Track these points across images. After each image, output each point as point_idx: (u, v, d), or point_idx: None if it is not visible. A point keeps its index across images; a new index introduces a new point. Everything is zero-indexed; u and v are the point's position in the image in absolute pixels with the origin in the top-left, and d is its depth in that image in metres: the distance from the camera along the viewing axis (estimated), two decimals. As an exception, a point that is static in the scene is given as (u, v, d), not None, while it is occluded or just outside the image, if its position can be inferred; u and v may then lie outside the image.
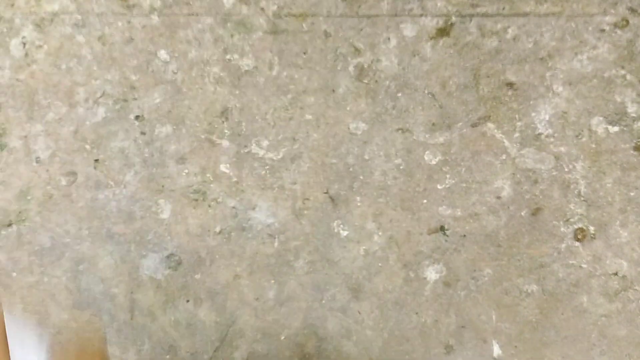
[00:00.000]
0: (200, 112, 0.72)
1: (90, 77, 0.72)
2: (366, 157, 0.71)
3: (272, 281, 0.71)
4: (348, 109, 0.72)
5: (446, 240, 0.71)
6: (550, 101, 0.70)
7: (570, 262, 0.70)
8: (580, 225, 0.70)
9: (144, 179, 0.72)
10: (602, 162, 0.70)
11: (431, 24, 0.71)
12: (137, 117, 0.72)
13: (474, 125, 0.70)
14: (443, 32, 0.71)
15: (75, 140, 0.72)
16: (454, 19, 0.70)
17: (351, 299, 0.69)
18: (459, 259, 0.70)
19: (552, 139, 0.70)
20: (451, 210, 0.71)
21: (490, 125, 0.70)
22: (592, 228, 0.70)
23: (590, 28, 0.70)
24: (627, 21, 0.70)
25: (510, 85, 0.70)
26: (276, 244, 0.71)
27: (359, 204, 0.71)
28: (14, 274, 0.71)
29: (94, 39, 0.72)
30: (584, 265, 0.70)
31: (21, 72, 0.72)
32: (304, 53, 0.72)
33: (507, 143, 0.70)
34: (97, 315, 0.70)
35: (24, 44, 0.72)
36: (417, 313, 0.69)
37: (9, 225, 0.72)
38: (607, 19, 0.70)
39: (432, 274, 0.70)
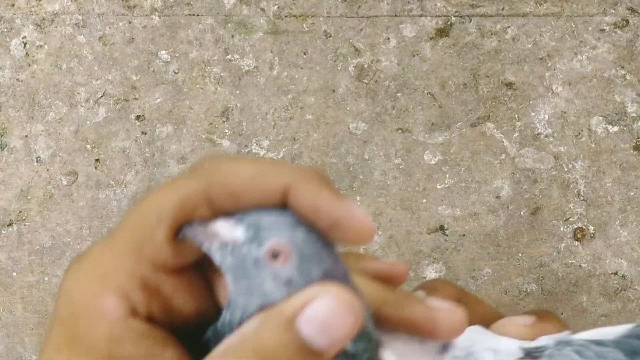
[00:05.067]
0: (201, 112, 0.72)
1: (91, 77, 0.72)
2: (366, 156, 0.71)
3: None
4: (348, 109, 0.72)
5: (446, 240, 0.71)
6: (550, 101, 0.70)
7: (570, 261, 0.70)
8: (579, 225, 0.70)
9: (145, 179, 0.72)
10: (602, 162, 0.70)
11: (431, 24, 0.71)
12: (138, 117, 0.72)
13: (473, 125, 0.70)
14: (442, 32, 0.71)
15: (76, 140, 0.72)
16: (453, 19, 0.71)
17: (351, 298, 0.69)
18: (458, 258, 0.70)
19: (551, 139, 0.70)
20: (450, 209, 0.70)
21: (489, 125, 0.70)
22: (591, 227, 0.70)
23: (589, 28, 0.70)
24: (627, 21, 0.70)
25: (509, 85, 0.70)
26: (276, 243, 0.71)
27: (358, 204, 0.71)
28: (14, 274, 0.72)
29: (94, 39, 0.72)
30: (583, 265, 0.70)
31: (22, 72, 0.72)
32: (304, 53, 0.72)
33: (506, 143, 0.70)
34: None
35: (25, 44, 0.72)
36: (416, 312, 0.69)
37: (9, 224, 0.72)
38: (607, 19, 0.70)
39: (431, 273, 0.70)
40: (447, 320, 0.42)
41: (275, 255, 0.38)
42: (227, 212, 0.40)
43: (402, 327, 0.42)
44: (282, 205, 0.40)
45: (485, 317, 0.45)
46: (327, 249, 0.40)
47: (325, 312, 0.36)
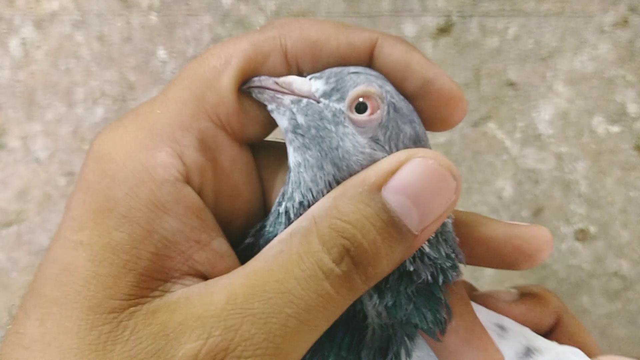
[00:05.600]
0: (200, 112, 0.72)
1: (89, 77, 0.72)
2: (367, 157, 0.71)
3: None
4: (348, 108, 0.72)
5: (447, 241, 0.70)
6: (551, 101, 0.70)
7: (571, 262, 0.70)
8: (581, 226, 0.70)
9: (143, 179, 0.72)
10: (603, 162, 0.70)
11: (432, 23, 0.71)
12: (135, 117, 0.72)
13: (475, 125, 0.70)
14: (444, 31, 0.71)
15: (74, 141, 0.72)
16: (454, 18, 0.70)
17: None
18: (460, 259, 0.70)
19: (553, 139, 0.70)
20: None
21: (491, 125, 0.70)
22: (592, 228, 0.70)
23: (590, 28, 0.70)
24: (627, 21, 0.70)
25: (511, 85, 0.70)
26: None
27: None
28: (14, 274, 0.71)
29: (93, 38, 0.72)
30: (584, 265, 0.70)
31: (20, 72, 0.72)
32: (304, 52, 0.72)
33: (508, 143, 0.70)
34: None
35: (24, 44, 0.72)
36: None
37: (9, 225, 0.71)
38: (607, 19, 0.70)
39: (433, 274, 0.70)
40: (532, 238, 0.35)
41: (361, 106, 0.31)
42: (301, 74, 0.33)
43: (479, 248, 0.36)
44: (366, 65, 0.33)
45: (584, 347, 0.38)
46: (416, 113, 0.34)
47: (421, 177, 0.28)
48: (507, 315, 0.38)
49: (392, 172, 0.28)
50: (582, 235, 0.70)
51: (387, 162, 0.29)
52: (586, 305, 0.70)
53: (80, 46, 0.72)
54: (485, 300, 0.40)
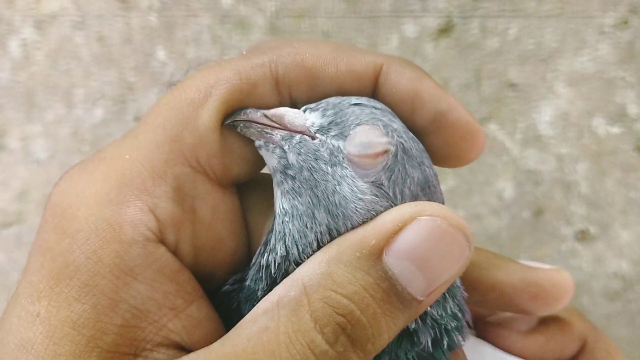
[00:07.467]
0: (199, 113, 0.72)
1: (89, 78, 0.72)
2: (367, 158, 0.71)
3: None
4: (348, 109, 0.71)
5: (448, 242, 0.70)
6: (552, 102, 0.70)
7: (572, 263, 0.70)
8: (581, 226, 0.70)
9: (143, 180, 0.71)
10: (603, 163, 0.70)
11: (433, 24, 0.71)
12: (135, 119, 0.72)
13: (475, 126, 0.70)
14: (444, 32, 0.71)
15: (74, 142, 0.71)
16: (455, 19, 0.70)
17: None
18: (461, 260, 0.70)
19: (553, 140, 0.70)
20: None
21: (492, 126, 0.70)
22: (592, 229, 0.70)
23: (590, 29, 0.70)
24: (627, 22, 0.70)
25: (512, 86, 0.70)
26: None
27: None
28: (14, 275, 0.71)
29: (92, 40, 0.72)
30: (584, 266, 0.70)
31: (21, 73, 0.71)
32: (304, 53, 0.72)
33: (509, 144, 0.70)
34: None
35: (24, 44, 0.71)
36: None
37: (9, 226, 0.71)
38: (607, 20, 0.70)
39: (433, 275, 0.70)
40: (551, 286, 0.32)
41: (366, 144, 0.27)
42: (295, 105, 0.30)
43: (492, 293, 0.33)
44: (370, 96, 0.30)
45: None
46: (428, 157, 0.30)
47: (428, 239, 0.25)
48: (523, 350, 0.35)
49: (395, 233, 0.25)
50: (582, 236, 0.70)
51: (389, 220, 0.25)
52: (586, 306, 0.70)
53: (80, 47, 0.72)
54: (498, 332, 0.36)
